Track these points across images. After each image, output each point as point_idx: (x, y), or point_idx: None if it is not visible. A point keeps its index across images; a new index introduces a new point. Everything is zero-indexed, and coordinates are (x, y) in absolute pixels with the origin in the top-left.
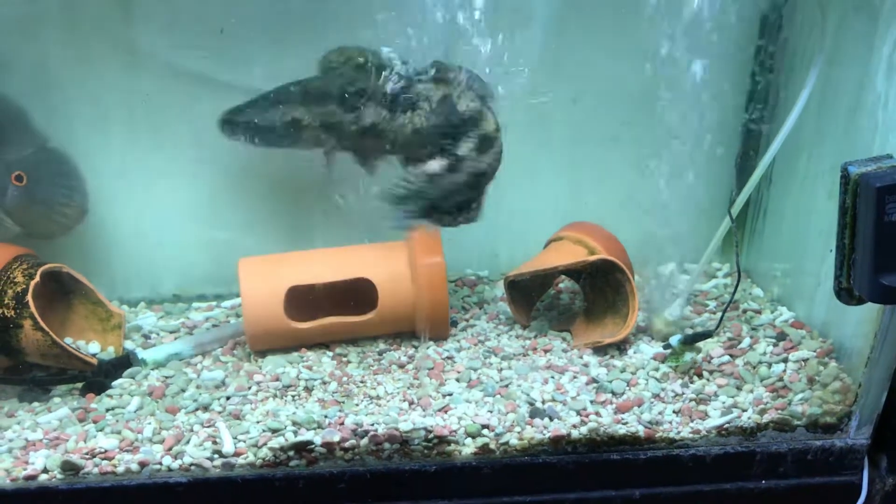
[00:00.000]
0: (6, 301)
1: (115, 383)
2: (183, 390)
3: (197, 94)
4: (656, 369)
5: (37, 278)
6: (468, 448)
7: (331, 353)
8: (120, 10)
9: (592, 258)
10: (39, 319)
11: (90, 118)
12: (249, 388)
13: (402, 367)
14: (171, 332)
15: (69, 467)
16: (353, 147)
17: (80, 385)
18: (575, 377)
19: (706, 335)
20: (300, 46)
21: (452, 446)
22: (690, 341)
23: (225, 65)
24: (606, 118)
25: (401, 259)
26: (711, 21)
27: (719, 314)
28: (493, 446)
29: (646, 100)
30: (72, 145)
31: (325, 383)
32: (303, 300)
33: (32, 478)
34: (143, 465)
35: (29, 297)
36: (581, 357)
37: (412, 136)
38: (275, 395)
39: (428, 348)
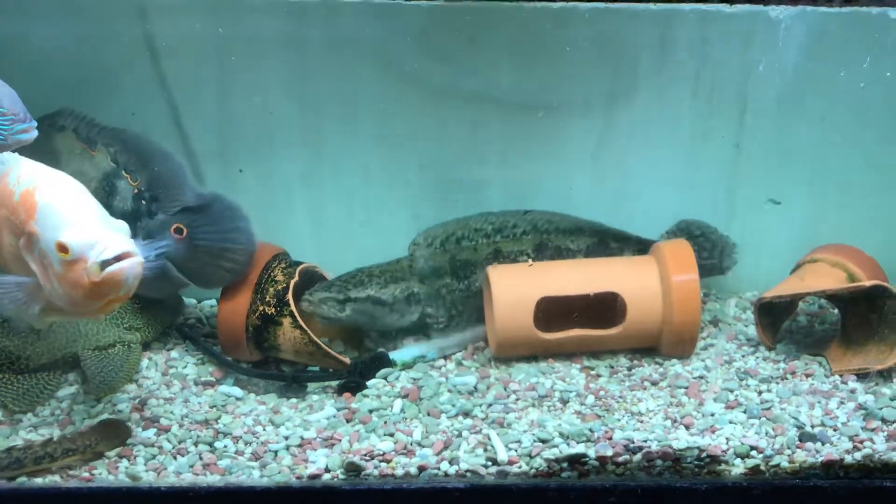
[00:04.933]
0: (268, 299)
1: (368, 383)
2: (436, 394)
3: (443, 103)
4: None
5: (296, 277)
6: (738, 469)
7: (578, 366)
8: (377, 21)
9: (868, 284)
10: (299, 318)
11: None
12: (508, 396)
13: (654, 384)
14: (406, 333)
15: (352, 468)
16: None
17: (333, 382)
18: (842, 403)
19: None
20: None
21: (723, 466)
22: None
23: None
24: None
25: (650, 273)
26: None
27: None
28: (763, 468)
29: None
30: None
31: (580, 396)
32: (542, 308)
33: (317, 477)
34: (421, 469)
35: (289, 296)
36: (845, 383)
37: None
38: (533, 405)
39: (674, 366)
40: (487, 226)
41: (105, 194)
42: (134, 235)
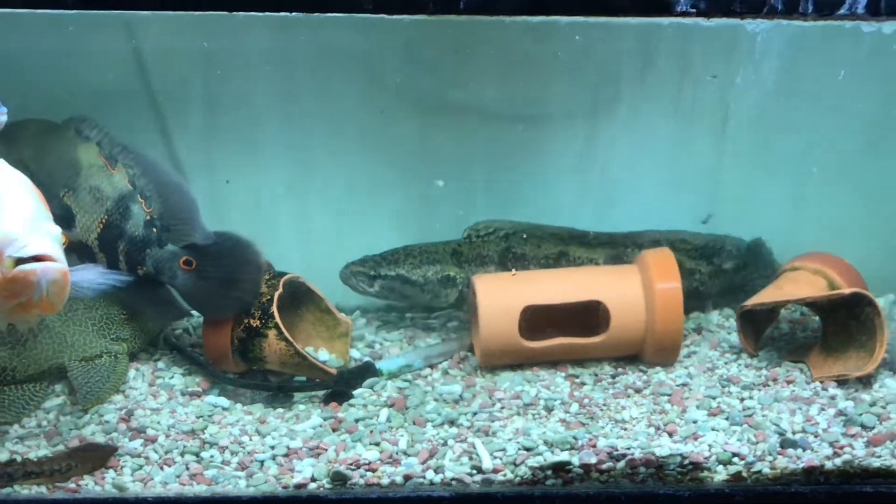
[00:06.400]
0: (252, 311)
1: (354, 393)
2: (422, 403)
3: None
4: None
5: (280, 289)
6: (720, 475)
7: (563, 374)
8: (360, 35)
9: (847, 292)
10: (284, 330)
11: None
12: (493, 404)
13: (638, 391)
14: (393, 343)
15: (338, 478)
16: None
17: (319, 392)
18: (823, 409)
19: None
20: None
21: (705, 473)
22: None
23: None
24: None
25: (634, 282)
26: None
27: None
28: (745, 474)
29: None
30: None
31: (564, 404)
32: (526, 317)
33: (302, 486)
34: (407, 478)
35: (274, 308)
36: (826, 389)
37: None
38: (518, 413)
39: (657, 373)
40: (566, 233)
41: (118, 216)
42: (142, 261)
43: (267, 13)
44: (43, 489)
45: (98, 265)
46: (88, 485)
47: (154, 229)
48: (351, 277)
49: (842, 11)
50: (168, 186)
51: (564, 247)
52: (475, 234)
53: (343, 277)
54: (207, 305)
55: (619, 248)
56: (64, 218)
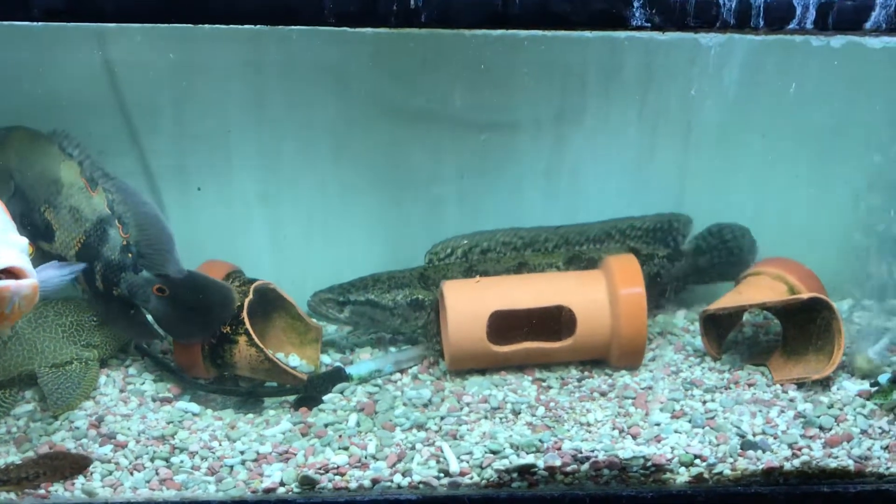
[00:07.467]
0: None
1: (324, 398)
2: (392, 407)
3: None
4: (863, 406)
5: (250, 295)
6: (682, 477)
7: (530, 378)
8: (330, 46)
9: (805, 296)
10: (255, 336)
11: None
12: (461, 408)
13: (603, 394)
14: (363, 348)
15: (307, 482)
16: None
17: (289, 397)
18: (782, 411)
19: None
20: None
21: (668, 475)
22: None
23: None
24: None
25: (599, 287)
26: None
27: None
28: (706, 475)
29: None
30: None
31: (531, 407)
32: (493, 322)
33: (271, 490)
34: (375, 481)
35: (244, 314)
36: (786, 392)
37: None
38: (485, 417)
39: (622, 377)
40: (517, 240)
41: (96, 238)
42: (117, 283)
43: (231, 26)
44: (12, 496)
45: (55, 261)
46: (58, 491)
47: (130, 255)
48: (321, 305)
49: (791, 26)
50: (146, 217)
51: (522, 258)
52: (435, 257)
53: (312, 305)
54: (178, 330)
55: (573, 248)
56: (44, 232)
